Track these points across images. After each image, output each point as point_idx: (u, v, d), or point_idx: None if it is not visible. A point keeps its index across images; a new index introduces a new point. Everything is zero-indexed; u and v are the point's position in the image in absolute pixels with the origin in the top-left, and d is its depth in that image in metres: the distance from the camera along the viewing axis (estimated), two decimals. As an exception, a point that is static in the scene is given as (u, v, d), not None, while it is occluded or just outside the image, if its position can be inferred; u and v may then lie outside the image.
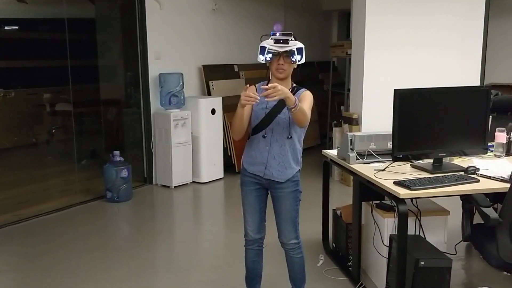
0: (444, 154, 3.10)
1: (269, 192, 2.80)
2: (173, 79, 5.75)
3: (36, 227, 4.59)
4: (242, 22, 7.09)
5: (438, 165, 3.08)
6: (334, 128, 6.23)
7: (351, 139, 3.28)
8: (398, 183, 2.75)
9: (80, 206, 5.22)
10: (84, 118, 5.87)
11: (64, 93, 5.49)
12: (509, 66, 7.84)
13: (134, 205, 5.30)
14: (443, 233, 3.24)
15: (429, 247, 2.92)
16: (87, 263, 3.76)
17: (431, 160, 3.13)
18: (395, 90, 2.92)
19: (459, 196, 2.90)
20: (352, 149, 3.28)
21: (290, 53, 2.58)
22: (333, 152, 3.64)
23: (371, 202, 3.29)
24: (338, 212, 3.72)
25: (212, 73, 6.50)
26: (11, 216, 4.73)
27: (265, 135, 2.67)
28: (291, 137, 2.68)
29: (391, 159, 3.10)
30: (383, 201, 3.24)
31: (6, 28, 5.27)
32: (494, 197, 3.01)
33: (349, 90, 6.27)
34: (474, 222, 2.98)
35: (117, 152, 5.33)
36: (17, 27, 5.47)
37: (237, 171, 6.13)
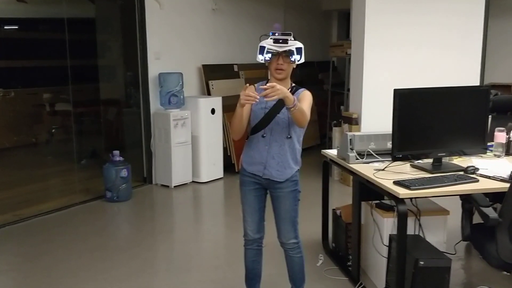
0: (444, 154, 3.10)
1: (268, 192, 2.80)
2: (173, 79, 5.75)
3: (36, 227, 4.59)
4: (242, 22, 7.09)
5: (437, 165, 3.08)
6: (333, 128, 6.23)
7: (350, 139, 3.29)
8: (397, 183, 2.75)
9: (80, 206, 5.22)
10: (84, 118, 5.87)
11: (63, 93, 5.49)
12: (508, 66, 7.84)
13: (133, 205, 5.30)
14: (442, 233, 3.24)
15: (429, 247, 2.92)
16: (87, 263, 3.77)
17: (430, 160, 3.13)
18: (394, 90, 2.92)
19: (458, 196, 2.90)
20: (351, 149, 3.28)
21: (290, 53, 2.59)
22: (332, 152, 3.64)
23: (370, 202, 3.29)
24: (338, 212, 3.72)
25: (212, 73, 6.51)
26: (11, 216, 4.73)
27: (264, 135, 2.68)
28: (290, 137, 2.68)
29: (390, 159, 3.10)
30: (382, 201, 3.24)
31: (6, 28, 5.27)
32: (494, 197, 3.01)
33: (348, 90, 6.28)
34: (474, 222, 2.98)
35: (116, 152, 5.33)
36: (16, 27, 5.47)
37: (236, 171, 6.13)
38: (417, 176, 2.88)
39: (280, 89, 2.38)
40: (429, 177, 2.86)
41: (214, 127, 6.12)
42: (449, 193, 2.73)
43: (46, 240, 4.27)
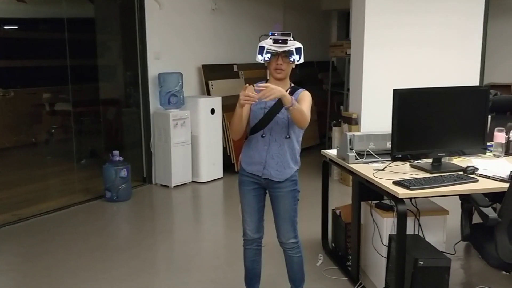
0: (443, 154, 3.10)
1: (267, 191, 2.80)
2: (173, 78, 5.75)
3: (36, 227, 4.59)
4: (241, 22, 7.09)
5: (437, 165, 3.08)
6: (333, 128, 6.23)
7: (350, 139, 3.29)
8: (397, 182, 2.75)
9: (80, 205, 5.22)
10: (84, 117, 5.87)
11: (63, 92, 5.49)
12: (508, 66, 7.85)
13: (133, 205, 5.30)
14: (442, 233, 3.24)
15: (428, 247, 2.93)
16: (86, 263, 3.77)
17: (430, 160, 3.13)
18: (394, 90, 2.93)
19: (458, 196, 2.90)
20: (351, 149, 3.28)
21: (289, 53, 2.59)
22: (332, 152, 3.64)
23: (370, 201, 3.29)
24: (338, 211, 3.73)
25: (212, 72, 6.51)
26: (11, 216, 4.73)
27: (264, 135, 2.68)
28: (289, 137, 2.68)
29: (390, 159, 3.10)
30: (382, 200, 3.24)
31: (5, 27, 5.27)
32: (493, 197, 3.01)
33: (348, 90, 6.27)
34: (473, 222, 2.99)
35: (116, 152, 5.33)
36: (16, 27, 5.47)
37: (236, 170, 6.13)
38: (416, 176, 2.88)
39: (275, 88, 2.39)
40: (429, 177, 2.86)
41: (214, 127, 6.12)
42: (448, 193, 2.73)
43: (46, 240, 4.28)
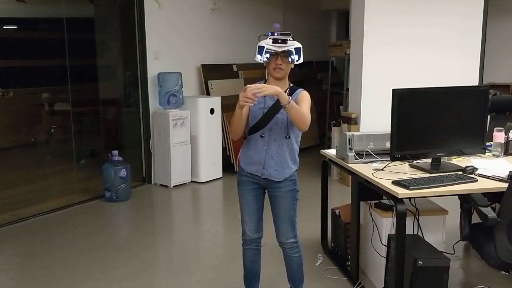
0: (443, 154, 3.11)
1: (266, 191, 2.80)
2: (172, 78, 5.75)
3: (35, 227, 4.59)
4: (241, 22, 7.10)
5: (436, 165, 3.08)
6: (333, 128, 6.24)
7: (349, 139, 3.29)
8: (396, 182, 2.75)
9: (79, 205, 5.22)
10: (83, 117, 5.87)
11: (63, 92, 5.49)
12: (507, 66, 7.86)
13: (133, 205, 5.30)
14: (441, 233, 3.24)
15: (428, 247, 2.93)
16: (86, 263, 3.77)
17: (429, 160, 3.13)
18: (393, 90, 2.93)
19: (457, 196, 2.91)
20: (350, 149, 3.28)
21: (288, 53, 2.59)
22: (331, 152, 3.64)
23: (369, 201, 3.30)
24: (337, 211, 3.73)
25: (211, 72, 6.51)
26: (10, 216, 4.72)
27: (263, 135, 2.68)
28: (289, 137, 2.68)
29: (389, 159, 3.10)
30: (381, 200, 3.25)
31: (5, 27, 5.27)
32: (492, 197, 3.01)
33: (347, 89, 6.28)
34: (472, 222, 2.99)
35: (116, 152, 5.33)
36: (16, 27, 5.47)
37: (236, 170, 6.13)
38: (416, 176, 2.88)
39: (266, 86, 2.43)
40: (428, 177, 2.86)
41: (213, 127, 6.12)
42: (448, 193, 2.74)
43: (45, 240, 4.28)
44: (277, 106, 2.61)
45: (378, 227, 3.19)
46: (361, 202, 3.31)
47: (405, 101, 2.96)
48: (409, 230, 2.97)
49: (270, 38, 2.58)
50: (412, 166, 3.16)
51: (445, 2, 5.34)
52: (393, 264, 2.78)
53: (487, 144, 3.32)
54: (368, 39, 5.30)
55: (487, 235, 2.69)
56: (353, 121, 5.55)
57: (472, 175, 2.91)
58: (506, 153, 3.48)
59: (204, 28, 6.51)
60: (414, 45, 5.33)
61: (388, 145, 3.14)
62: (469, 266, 3.77)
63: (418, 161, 3.20)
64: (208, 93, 6.39)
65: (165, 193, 5.73)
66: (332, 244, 3.87)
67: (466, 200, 2.78)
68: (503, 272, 3.38)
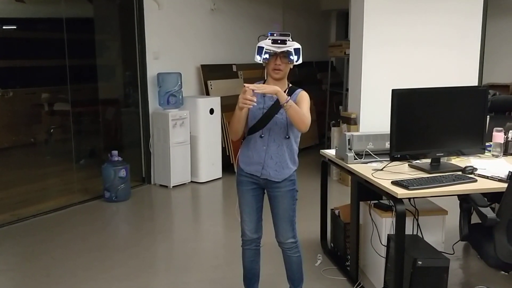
0: (442, 154, 3.11)
1: (265, 191, 2.80)
2: (172, 78, 5.75)
3: (35, 227, 4.59)
4: (240, 22, 7.09)
5: (436, 165, 3.09)
6: (332, 128, 6.24)
7: (349, 139, 3.29)
8: (396, 183, 2.75)
9: (79, 205, 5.22)
10: (83, 117, 5.86)
11: (62, 92, 5.49)
12: (507, 66, 7.86)
13: (132, 205, 5.30)
14: (440, 233, 3.24)
15: (427, 247, 2.93)
16: (86, 263, 3.77)
17: (428, 160, 3.13)
18: (393, 90, 2.93)
19: (456, 196, 2.91)
20: (350, 149, 3.28)
21: (287, 54, 2.59)
22: (331, 152, 3.64)
23: (369, 201, 3.30)
24: (336, 211, 3.73)
25: (211, 72, 6.51)
26: (10, 216, 4.72)
27: (263, 135, 2.68)
28: (288, 137, 2.68)
29: (389, 159, 3.10)
30: (381, 200, 3.25)
31: (4, 27, 5.26)
32: (492, 197, 3.02)
33: (347, 90, 6.28)
34: (472, 222, 2.99)
35: (115, 152, 5.33)
36: (15, 27, 5.46)
37: (235, 170, 6.13)
38: (415, 176, 2.88)
39: (264, 86, 2.47)
40: (427, 177, 2.86)
41: (213, 127, 6.12)
42: (447, 193, 2.74)
43: (45, 240, 4.27)
44: (277, 106, 2.62)
45: (377, 227, 3.19)
46: (361, 202, 3.31)
47: (405, 101, 2.97)
48: (408, 230, 2.97)
49: (269, 39, 2.59)
50: (411, 166, 3.16)
51: (444, 2, 5.35)
52: (393, 264, 2.78)
53: (487, 144, 3.32)
54: (367, 39, 5.30)
55: (486, 235, 2.69)
56: (352, 121, 5.56)
57: (472, 175, 2.91)
58: (505, 153, 3.49)
59: (203, 28, 6.51)
60: (414, 45, 5.33)
61: (387, 145, 3.14)
62: (469, 266, 3.77)
63: (418, 161, 3.20)
64: (207, 93, 6.39)
65: (165, 193, 5.73)
66: (332, 244, 3.87)
67: (465, 200, 2.79)
68: (503, 272, 3.38)
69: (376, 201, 3.26)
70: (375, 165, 3.18)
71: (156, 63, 5.86)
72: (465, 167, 3.00)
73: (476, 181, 2.84)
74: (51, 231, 4.49)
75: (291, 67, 2.68)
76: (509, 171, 2.82)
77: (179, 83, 5.81)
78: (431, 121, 3.04)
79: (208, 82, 6.41)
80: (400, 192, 2.64)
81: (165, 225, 4.72)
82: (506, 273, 3.36)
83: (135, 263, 3.77)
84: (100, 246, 4.12)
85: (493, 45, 7.41)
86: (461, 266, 3.74)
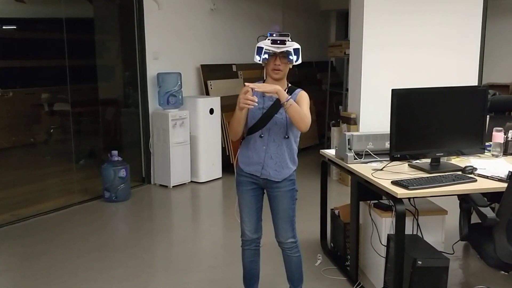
0: (442, 154, 3.11)
1: (265, 191, 2.80)
2: (171, 78, 5.75)
3: (34, 227, 4.59)
4: (240, 22, 7.09)
5: (435, 165, 3.08)
6: (332, 128, 6.24)
7: (349, 139, 3.29)
8: (395, 182, 2.75)
9: (78, 206, 5.22)
10: (82, 117, 5.87)
11: (62, 92, 5.49)
12: (506, 66, 7.86)
13: (132, 205, 5.30)
14: (440, 233, 3.24)
15: (427, 247, 2.93)
16: (85, 263, 3.76)
17: (428, 160, 3.13)
18: (392, 90, 2.93)
19: (456, 196, 2.91)
20: (350, 149, 3.28)
21: (287, 54, 2.59)
22: (331, 152, 3.64)
23: (369, 201, 3.30)
24: (336, 211, 3.73)
25: (210, 72, 6.51)
26: (9, 216, 4.72)
27: (262, 135, 2.68)
28: (288, 137, 2.68)
29: (388, 159, 3.10)
30: (381, 200, 3.25)
31: (4, 27, 5.27)
32: (492, 197, 3.01)
33: (347, 90, 6.28)
34: (472, 222, 2.99)
35: (115, 152, 5.33)
36: (15, 27, 5.47)
37: (235, 170, 6.13)
38: (415, 176, 2.88)
39: (264, 85, 2.48)
40: (427, 177, 2.86)
41: (213, 127, 6.12)
42: (447, 193, 2.74)
43: (45, 240, 4.27)
44: (276, 106, 2.62)
45: (377, 227, 3.19)
46: (361, 202, 3.31)
47: (405, 101, 2.97)
48: (408, 230, 2.97)
49: (268, 39, 2.59)
50: (411, 166, 3.16)
51: (444, 2, 5.35)
52: (393, 264, 2.78)
53: (486, 144, 3.32)
54: (367, 39, 5.30)
55: (486, 235, 2.69)
56: (352, 121, 5.56)
57: (471, 175, 2.91)
58: (505, 153, 3.49)
59: (203, 28, 6.51)
60: (413, 45, 5.33)
61: (387, 145, 3.14)
62: (468, 266, 3.77)
63: (418, 161, 3.20)
64: (207, 93, 6.39)
65: (165, 193, 5.73)
66: (332, 244, 3.87)
67: (465, 200, 2.79)
68: (502, 272, 3.38)
69: (376, 201, 3.26)
70: (375, 165, 3.18)
71: (156, 63, 5.86)
72: (465, 167, 3.00)
73: (476, 181, 2.84)
74: (51, 231, 4.49)
75: (291, 67, 2.68)
76: (509, 171, 2.82)
77: (179, 83, 5.81)
78: (431, 121, 3.04)
79: (208, 82, 6.41)
80: (400, 192, 2.64)
81: (164, 225, 4.72)
82: (506, 273, 3.36)
83: (135, 263, 3.77)
84: (99, 246, 4.12)
85: (493, 45, 7.41)
86: (461, 266, 3.74)
